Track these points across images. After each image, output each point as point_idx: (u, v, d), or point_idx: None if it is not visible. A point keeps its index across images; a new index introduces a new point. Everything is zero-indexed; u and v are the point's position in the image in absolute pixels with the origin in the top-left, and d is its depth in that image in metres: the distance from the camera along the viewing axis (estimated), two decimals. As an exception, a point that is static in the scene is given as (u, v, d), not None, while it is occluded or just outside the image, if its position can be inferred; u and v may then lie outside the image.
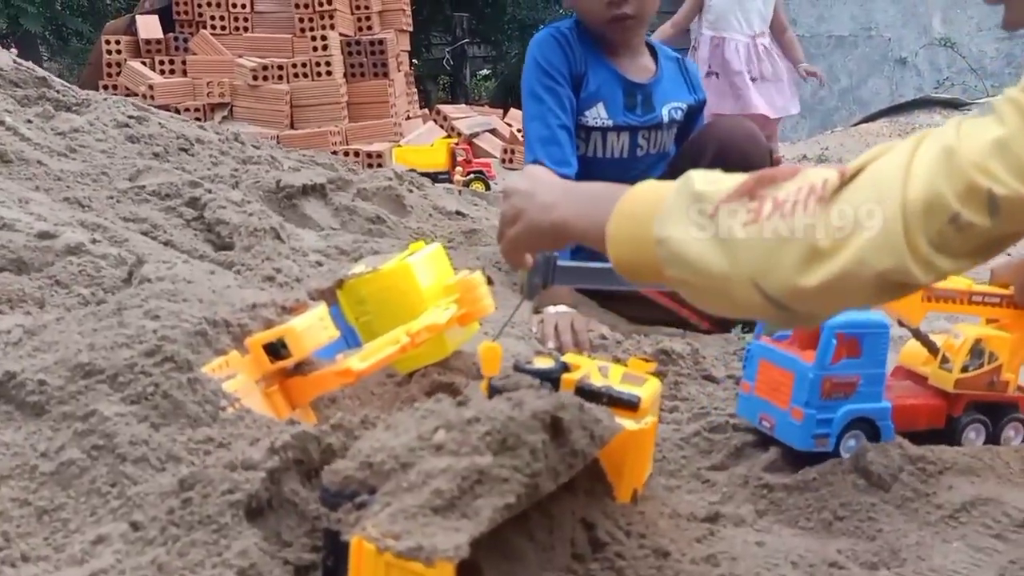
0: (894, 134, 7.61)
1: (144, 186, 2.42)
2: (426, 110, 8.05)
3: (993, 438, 1.48)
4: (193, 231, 2.30)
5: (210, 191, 2.43)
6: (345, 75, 6.83)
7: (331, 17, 6.79)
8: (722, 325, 2.29)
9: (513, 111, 8.01)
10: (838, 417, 1.34)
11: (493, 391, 1.08)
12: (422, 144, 6.15)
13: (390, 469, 0.86)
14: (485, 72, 13.76)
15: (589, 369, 1.19)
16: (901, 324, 1.51)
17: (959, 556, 1.16)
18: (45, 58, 12.07)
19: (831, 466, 1.31)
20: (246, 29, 6.94)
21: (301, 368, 1.20)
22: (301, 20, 6.80)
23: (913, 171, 0.91)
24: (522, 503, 0.85)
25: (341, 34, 6.87)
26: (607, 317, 2.34)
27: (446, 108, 7.87)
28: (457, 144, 5.80)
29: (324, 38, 6.68)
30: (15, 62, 3.28)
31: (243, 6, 6.93)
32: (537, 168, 1.35)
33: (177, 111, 5.75)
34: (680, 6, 4.93)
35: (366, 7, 7.17)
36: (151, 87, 6.37)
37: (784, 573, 1.11)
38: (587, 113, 2.42)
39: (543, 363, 1.18)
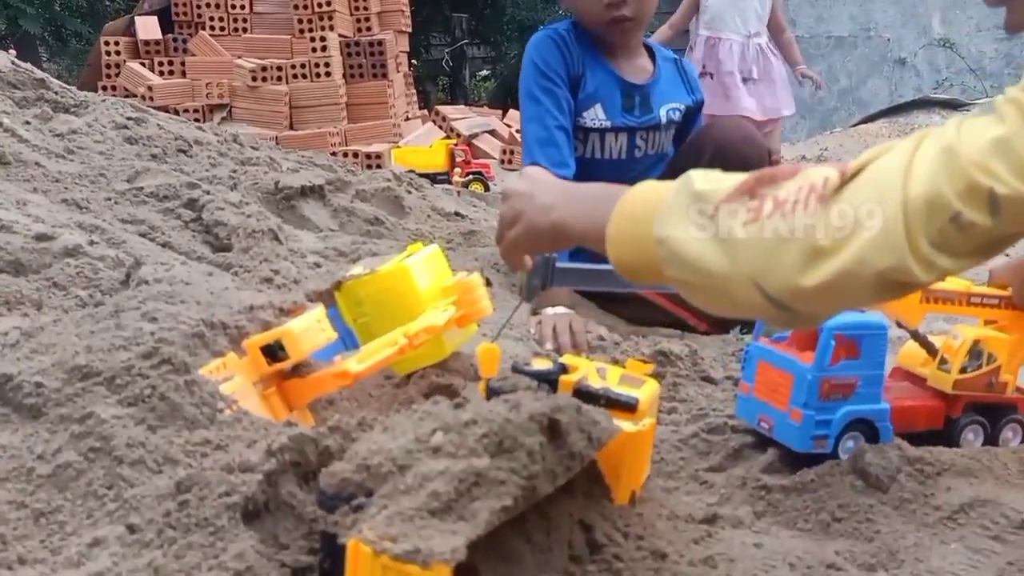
0: (893, 135, 7.61)
1: (142, 187, 2.42)
2: (425, 111, 8.05)
3: (991, 439, 1.48)
4: (191, 232, 2.30)
5: (208, 192, 2.43)
6: (344, 76, 6.83)
7: (330, 18, 6.79)
8: (720, 326, 2.29)
9: (512, 112, 8.00)
10: (837, 418, 1.34)
11: (491, 392, 1.08)
12: (421, 145, 6.15)
13: (387, 471, 0.86)
14: (484, 73, 13.77)
15: (587, 371, 1.18)
16: (900, 325, 1.51)
17: (957, 557, 1.16)
18: (44, 59, 12.07)
19: (829, 467, 1.31)
20: (245, 30, 6.94)
21: (299, 370, 1.20)
22: (300, 21, 6.80)
23: (914, 170, 0.91)
24: (519, 505, 0.85)
25: (340, 35, 6.87)
26: (605, 318, 2.34)
27: (445, 109, 7.87)
28: (456, 145, 5.80)
29: (323, 39, 6.67)
30: (13, 63, 3.28)
31: (242, 7, 6.92)
32: (536, 169, 1.35)
33: (176, 112, 5.75)
34: (676, 5, 4.93)
35: (365, 8, 7.17)
36: (150, 88, 6.37)
37: (782, 574, 1.11)
38: (585, 114, 2.42)
39: (541, 364, 1.18)
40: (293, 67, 6.61)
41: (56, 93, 3.16)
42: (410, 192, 3.30)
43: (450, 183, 5.10)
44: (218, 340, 1.14)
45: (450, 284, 1.44)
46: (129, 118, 3.06)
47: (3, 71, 3.19)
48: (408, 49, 7.97)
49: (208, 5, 6.89)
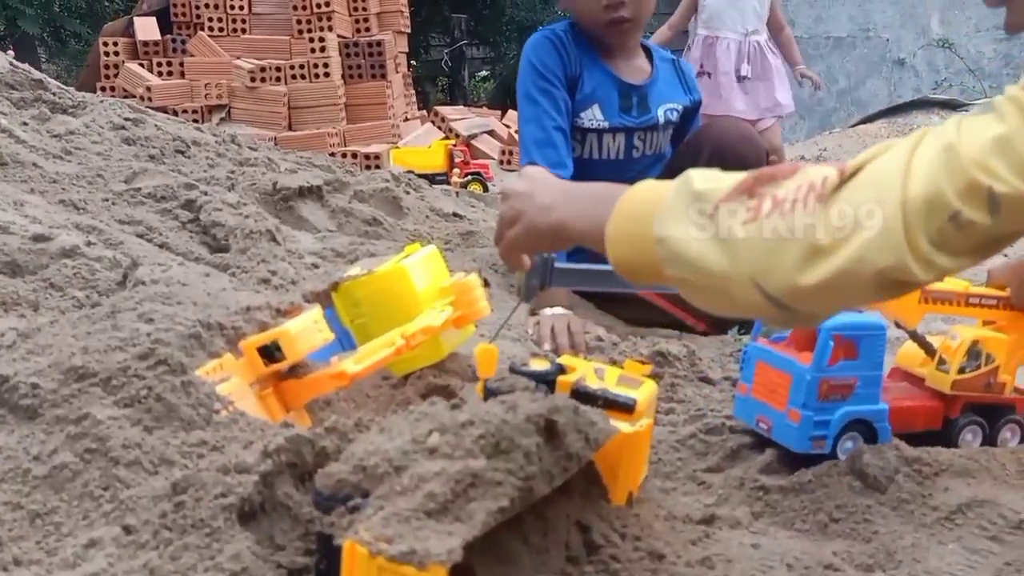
0: (892, 135, 7.61)
1: (140, 188, 2.42)
2: (424, 111, 8.04)
3: (990, 440, 1.48)
4: (189, 233, 2.30)
5: (206, 193, 2.43)
6: (343, 77, 6.83)
7: (329, 19, 6.79)
8: (718, 327, 2.29)
9: (511, 112, 8.00)
10: (835, 419, 1.34)
11: (489, 393, 1.08)
12: (420, 146, 6.15)
13: (383, 472, 0.85)
14: (483, 73, 13.77)
15: (585, 371, 1.18)
16: (898, 326, 1.50)
17: (955, 558, 1.15)
18: (43, 60, 12.07)
19: (827, 468, 1.31)
20: (244, 31, 6.94)
21: (295, 371, 1.20)
22: (299, 22, 6.80)
23: (913, 169, 0.91)
24: (516, 506, 0.85)
25: (339, 36, 6.86)
26: (604, 319, 2.34)
27: (444, 109, 7.87)
28: (455, 146, 5.80)
29: (322, 40, 6.67)
30: (11, 64, 3.27)
31: (241, 8, 6.92)
32: (535, 169, 1.34)
33: (175, 113, 5.75)
34: (675, 6, 4.93)
35: (364, 9, 7.17)
36: (149, 89, 6.37)
37: (779, 575, 1.11)
38: (583, 115, 2.42)
39: (539, 365, 1.18)
40: (292, 68, 6.61)
41: (54, 94, 3.15)
42: (408, 193, 3.30)
43: (449, 184, 5.10)
44: (215, 341, 1.14)
45: (448, 285, 1.44)
46: (127, 119, 3.05)
47: (1, 72, 3.19)
48: (407, 50, 7.97)
49: (207, 6, 6.89)
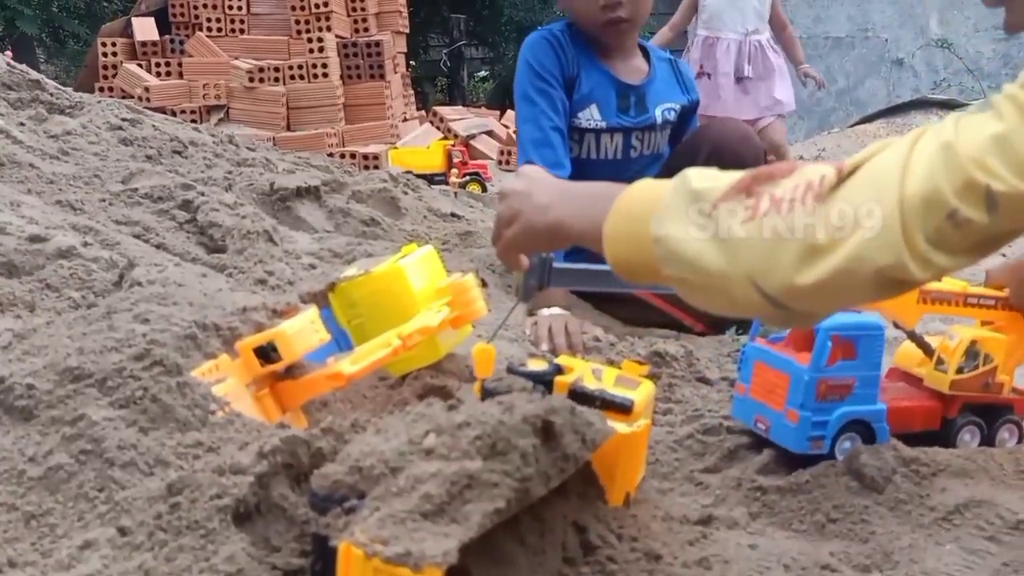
0: (891, 135, 7.59)
1: (137, 189, 2.41)
2: (423, 112, 8.04)
3: (988, 440, 1.48)
4: (186, 234, 2.30)
5: (203, 194, 2.42)
6: (342, 77, 6.82)
7: (327, 19, 6.78)
8: (716, 327, 2.28)
9: (510, 113, 7.99)
10: (833, 419, 1.34)
11: (486, 393, 1.08)
12: (418, 146, 6.14)
13: (379, 473, 0.85)
14: (482, 74, 13.75)
15: (583, 372, 1.18)
16: (896, 326, 1.50)
17: (952, 558, 1.15)
18: (42, 61, 12.05)
19: (824, 468, 1.30)
20: (242, 31, 6.93)
21: (292, 372, 1.19)
22: (297, 22, 6.79)
23: (911, 167, 0.91)
24: (512, 508, 0.85)
25: (337, 36, 6.85)
26: (601, 319, 2.33)
27: (443, 110, 7.86)
28: (454, 146, 5.79)
29: (320, 40, 6.66)
30: (9, 65, 3.27)
31: (239, 8, 6.91)
32: (533, 168, 1.34)
33: (173, 113, 5.74)
34: (675, 6, 4.93)
35: (363, 9, 7.15)
36: (147, 89, 6.36)
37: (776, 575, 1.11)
38: (580, 115, 2.42)
39: (537, 365, 1.18)
40: (290, 68, 6.60)
41: (51, 94, 3.15)
42: (406, 193, 3.29)
43: (447, 184, 5.09)
44: (211, 342, 1.14)
45: (444, 285, 1.44)
46: (124, 119, 3.05)
47: (-2, 72, 3.19)
48: (406, 50, 7.96)
49: (205, 6, 6.88)
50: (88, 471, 0.98)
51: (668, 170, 2.22)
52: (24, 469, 0.99)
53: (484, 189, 5.19)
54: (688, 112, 2.59)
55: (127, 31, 6.94)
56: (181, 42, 6.86)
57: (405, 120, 7.41)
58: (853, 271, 0.91)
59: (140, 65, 6.71)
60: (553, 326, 2.07)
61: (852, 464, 1.30)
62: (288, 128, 6.53)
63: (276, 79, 6.54)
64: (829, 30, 10.22)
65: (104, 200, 2.34)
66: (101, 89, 6.44)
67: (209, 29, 6.86)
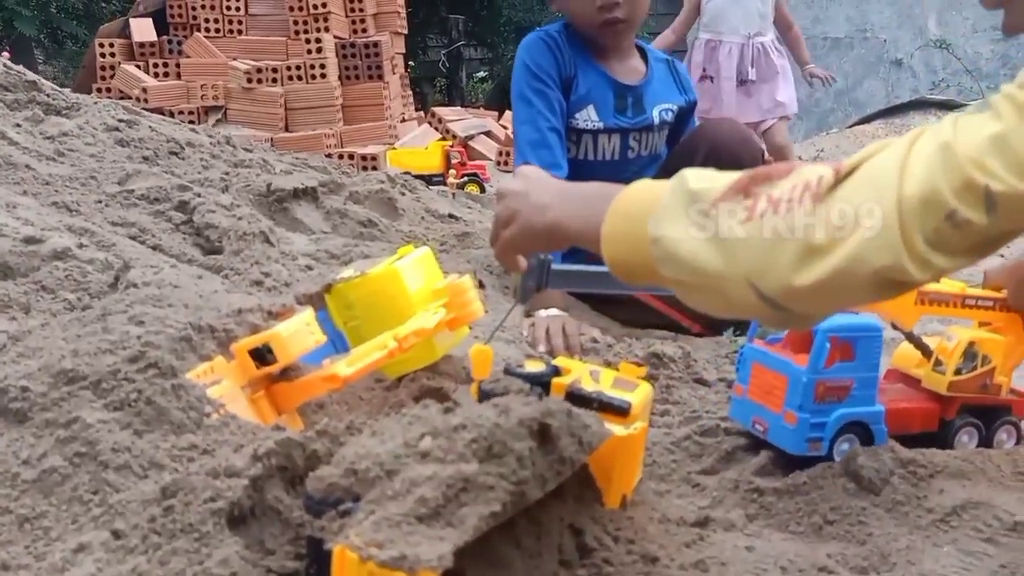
0: (890, 135, 7.58)
1: (133, 190, 2.40)
2: (422, 112, 8.03)
3: (986, 441, 1.47)
4: (182, 235, 2.29)
5: (199, 195, 2.42)
6: (340, 78, 6.82)
7: (325, 20, 6.78)
8: (714, 328, 2.28)
9: (509, 113, 7.96)
10: (831, 421, 1.33)
11: (483, 395, 1.08)
12: (417, 147, 6.14)
13: (375, 476, 0.85)
14: (481, 74, 13.74)
15: (580, 373, 1.18)
16: (894, 327, 1.50)
17: (950, 560, 1.15)
18: (40, 62, 12.04)
19: (821, 470, 1.30)
20: (240, 32, 6.92)
21: (287, 374, 1.19)
22: (295, 23, 6.78)
23: (909, 167, 0.90)
24: (508, 511, 0.85)
25: (336, 36, 6.85)
26: (599, 320, 2.33)
27: (441, 110, 7.85)
28: (452, 147, 5.78)
29: (318, 40, 6.66)
30: (5, 66, 3.25)
31: (237, 9, 6.90)
32: (531, 168, 1.33)
33: (171, 114, 5.73)
34: (674, 5, 4.92)
35: (361, 10, 7.15)
36: (145, 90, 6.35)
37: (774, 579, 1.10)
38: (577, 116, 2.42)
39: (534, 367, 1.18)
40: (288, 69, 6.59)
41: (48, 95, 3.14)
42: (404, 194, 3.28)
43: (445, 185, 5.09)
44: (206, 344, 1.13)
45: (441, 286, 1.43)
46: (121, 120, 3.04)
47: (-5, 73, 3.18)
48: (404, 51, 7.95)
49: (203, 7, 6.87)
50: (82, 474, 0.98)
51: (666, 171, 2.22)
52: (18, 472, 0.99)
53: (482, 190, 5.18)
54: (686, 112, 2.59)
55: (125, 32, 6.93)
56: (179, 43, 6.85)
57: (403, 121, 7.41)
58: (851, 272, 0.91)
59: (138, 66, 6.70)
60: (551, 327, 2.07)
61: (850, 466, 1.29)
62: (286, 129, 6.52)
63: (274, 80, 6.54)
64: (828, 31, 10.22)
65: (100, 201, 2.33)
66: (99, 90, 6.43)
67: (207, 30, 6.86)
